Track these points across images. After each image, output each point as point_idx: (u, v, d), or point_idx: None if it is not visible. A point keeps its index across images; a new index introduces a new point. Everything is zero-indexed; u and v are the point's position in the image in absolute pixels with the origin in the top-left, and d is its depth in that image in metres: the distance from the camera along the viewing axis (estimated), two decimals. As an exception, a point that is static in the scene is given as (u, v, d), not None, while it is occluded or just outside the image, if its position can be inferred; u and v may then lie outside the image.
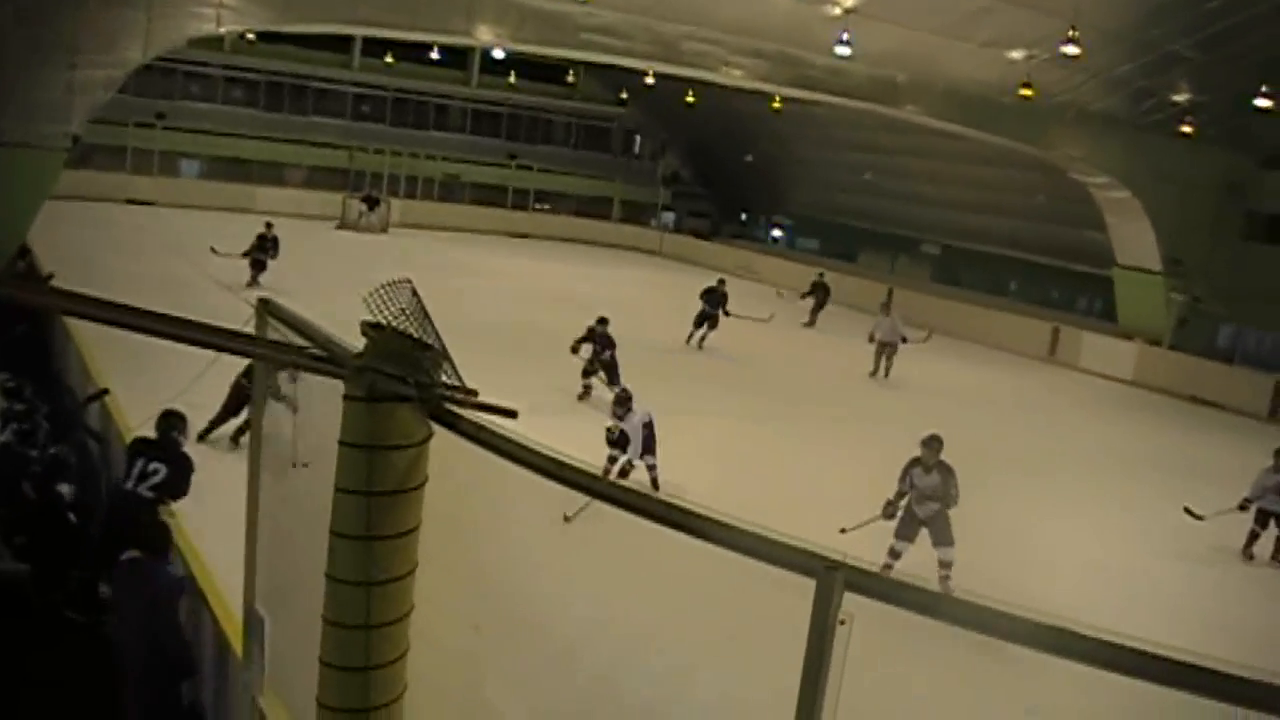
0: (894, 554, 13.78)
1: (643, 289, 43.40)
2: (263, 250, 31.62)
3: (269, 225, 32.13)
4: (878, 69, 34.10)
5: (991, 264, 50.07)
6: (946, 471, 13.87)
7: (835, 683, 2.86)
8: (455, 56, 58.30)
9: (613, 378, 21.02)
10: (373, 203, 50.65)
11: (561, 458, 3.49)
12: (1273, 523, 17.54)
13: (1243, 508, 17.59)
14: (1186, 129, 36.16)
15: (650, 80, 48.76)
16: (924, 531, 13.95)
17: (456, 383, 3.96)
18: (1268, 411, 33.45)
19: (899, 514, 14.06)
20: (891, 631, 3.13)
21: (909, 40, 32.10)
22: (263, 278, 30.76)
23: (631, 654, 9.98)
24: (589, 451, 15.00)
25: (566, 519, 9.37)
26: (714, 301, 32.76)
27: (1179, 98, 36.03)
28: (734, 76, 34.97)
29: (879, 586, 2.74)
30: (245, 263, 31.20)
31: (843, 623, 2.81)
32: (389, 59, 57.73)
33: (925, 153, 47.78)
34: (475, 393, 3.98)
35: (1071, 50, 28.35)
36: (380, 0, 30.35)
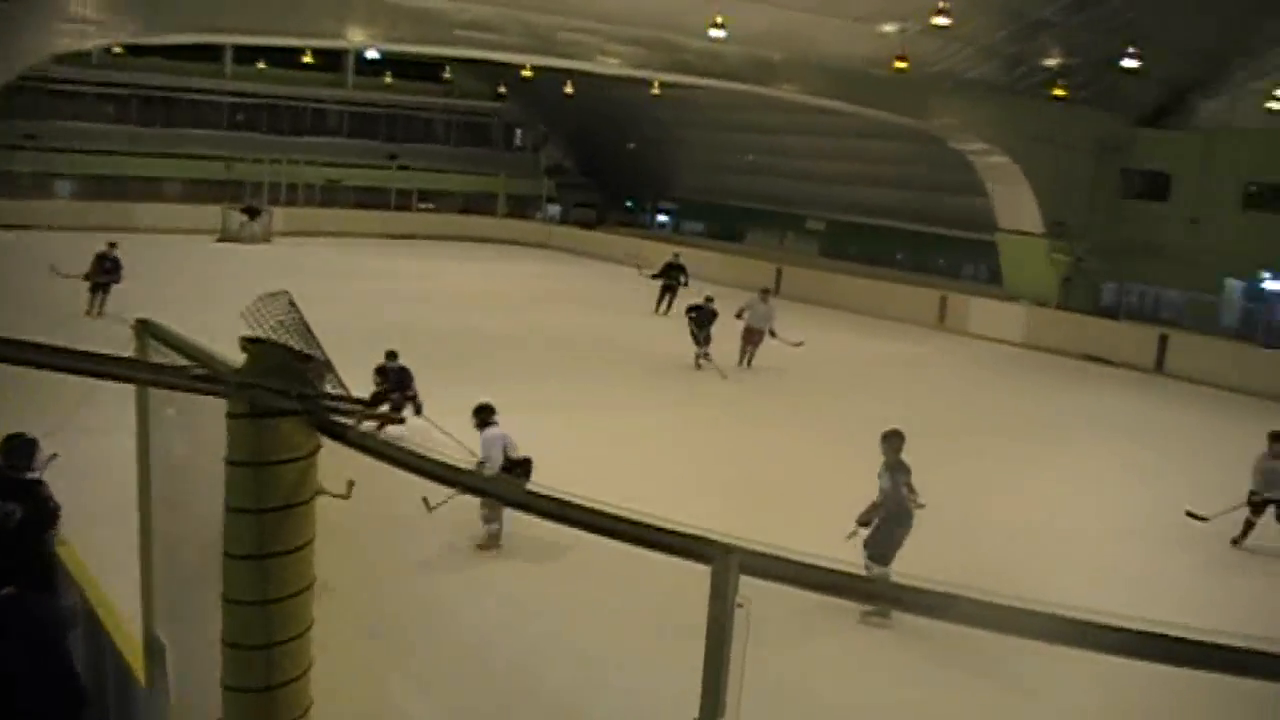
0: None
1: (529, 281, 43.31)
2: (104, 272, 28.60)
3: (111, 245, 29.25)
4: (753, 49, 34.23)
5: (877, 236, 50.59)
6: (893, 471, 13.18)
7: (738, 666, 2.86)
8: (329, 59, 57.68)
9: (417, 409, 18.84)
10: (253, 212, 49.90)
11: (453, 461, 3.45)
12: (1272, 510, 16.84)
13: (1252, 503, 16.85)
14: (1060, 92, 36.72)
15: (527, 73, 48.57)
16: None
17: (341, 392, 3.91)
18: (1155, 364, 34.11)
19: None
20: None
21: (782, 19, 32.26)
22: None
23: (548, 647, 9.98)
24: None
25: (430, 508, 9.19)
26: (675, 273, 34.78)
27: (1050, 62, 36.64)
28: (610, 65, 34.91)
29: (775, 568, 2.73)
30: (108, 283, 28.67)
31: (741, 606, 2.81)
32: (261, 66, 57.05)
33: (805, 130, 48.14)
34: (360, 400, 3.93)
35: (942, 21, 28.66)
36: (248, 7, 29.89)
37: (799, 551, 2.72)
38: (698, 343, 27.64)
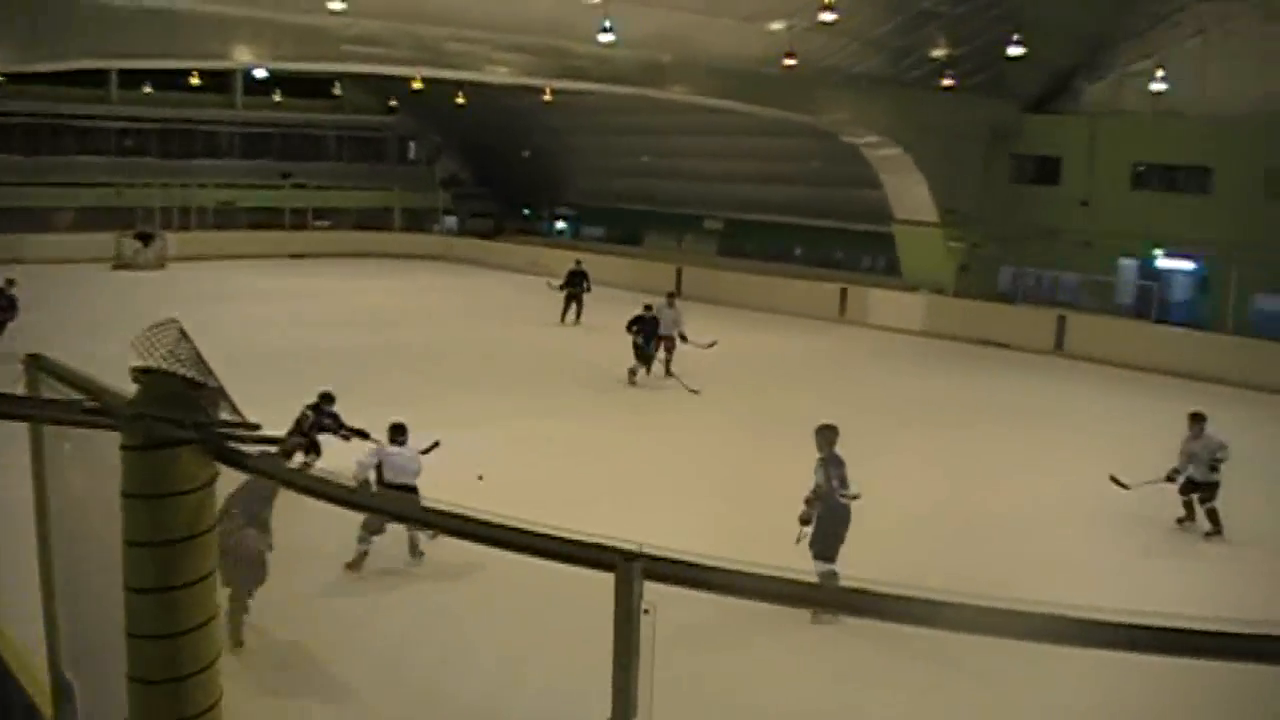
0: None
1: (432, 294, 43.09)
2: None
3: (9, 282, 27.99)
4: (643, 52, 34.24)
5: (775, 232, 50.87)
6: (826, 465, 13.16)
7: (647, 671, 2.86)
8: (217, 80, 56.96)
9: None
10: (147, 238, 49.13)
11: (353, 483, 3.42)
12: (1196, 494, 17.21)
13: (1170, 479, 17.15)
14: (948, 82, 37.17)
15: (418, 85, 48.28)
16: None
17: (237, 418, 3.86)
18: (1054, 345, 34.61)
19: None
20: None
21: (671, 21, 32.31)
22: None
23: (463, 657, 9.93)
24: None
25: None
26: (578, 281, 34.80)
27: (937, 53, 37.01)
28: (500, 74, 34.79)
29: (679, 572, 2.73)
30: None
31: (646, 612, 2.81)
32: (148, 89, 56.27)
33: (699, 130, 48.31)
34: (258, 426, 3.88)
35: (828, 17, 28.83)
36: (130, 30, 29.32)
37: (730, 557, 2.72)
38: (642, 357, 26.74)
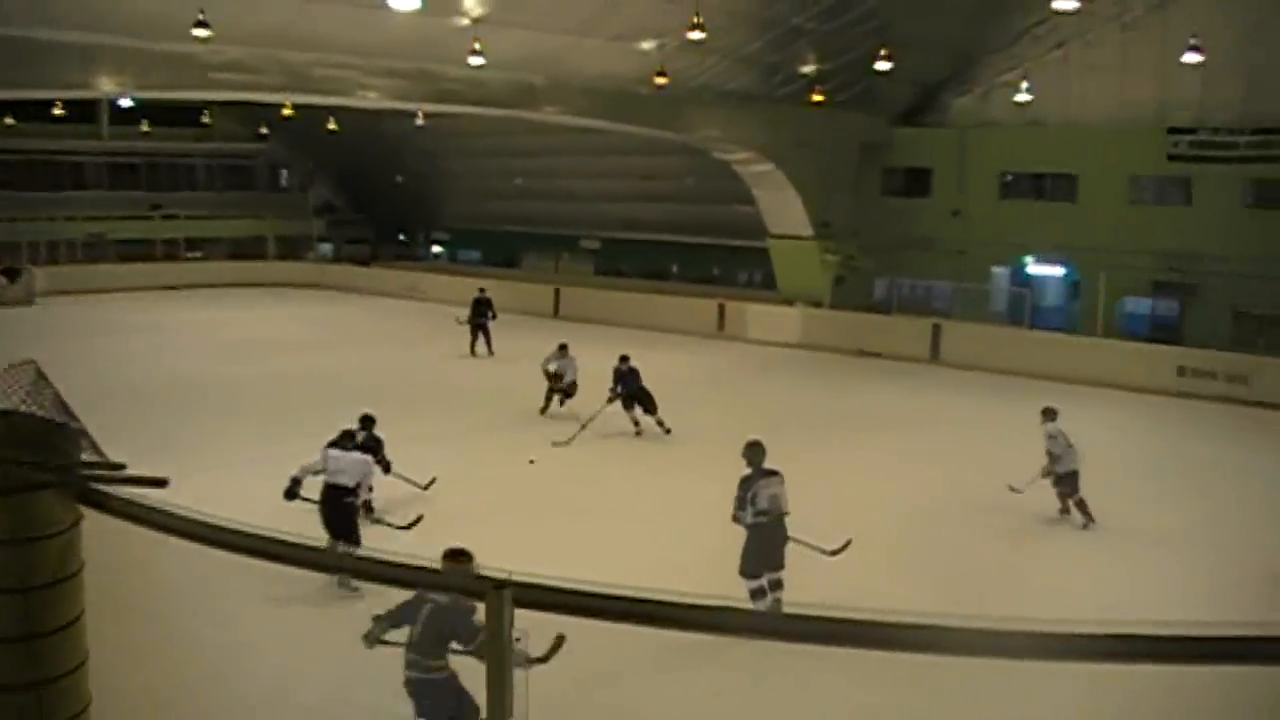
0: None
1: (310, 323, 42.57)
2: None
3: None
4: (514, 74, 34.15)
5: (652, 250, 51.06)
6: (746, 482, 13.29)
7: (522, 698, 2.85)
8: (82, 110, 55.81)
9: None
10: (13, 274, 48.02)
11: (219, 522, 3.36)
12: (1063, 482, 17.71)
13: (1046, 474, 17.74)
14: (818, 98, 37.50)
15: (288, 111, 47.78)
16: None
17: (99, 458, 3.77)
18: (929, 354, 35.04)
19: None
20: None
21: (541, 43, 32.26)
22: None
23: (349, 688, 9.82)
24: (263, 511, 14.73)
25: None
26: (483, 310, 33.88)
27: (807, 69, 37.37)
28: (371, 98, 34.50)
29: (549, 598, 2.73)
30: None
31: (518, 640, 2.81)
32: (10, 120, 55.01)
33: (573, 151, 48.38)
34: (122, 466, 3.80)
35: (697, 36, 28.93)
36: (-14, 61, 28.80)
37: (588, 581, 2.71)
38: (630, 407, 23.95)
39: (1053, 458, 17.66)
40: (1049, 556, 16.01)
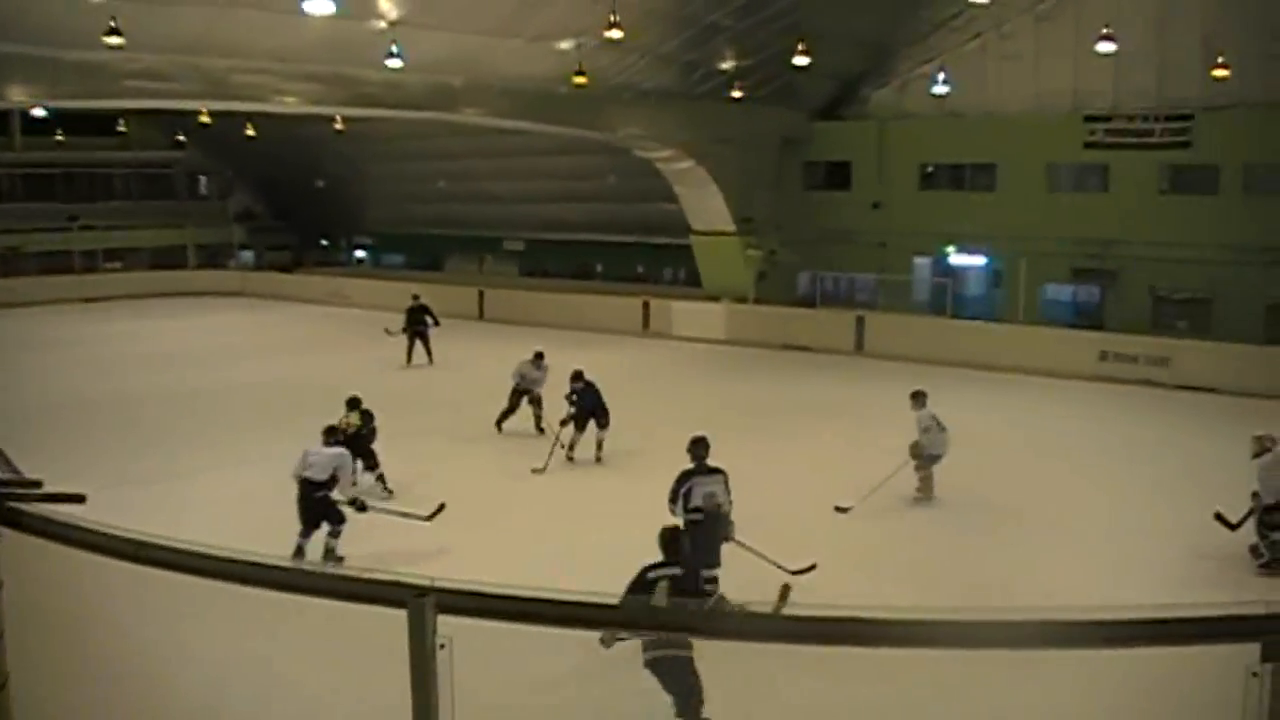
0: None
1: (238, 332, 42.10)
2: None
3: None
4: (433, 77, 33.96)
5: (576, 250, 51.05)
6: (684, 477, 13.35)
7: (447, 705, 2.84)
8: (-8, 120, 55.00)
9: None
10: (-73, 291, 47.29)
11: (141, 537, 3.31)
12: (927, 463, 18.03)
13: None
14: (738, 94, 37.61)
15: (205, 119, 47.26)
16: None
17: (15, 476, 3.72)
18: (854, 346, 35.22)
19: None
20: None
21: (460, 44, 32.11)
22: None
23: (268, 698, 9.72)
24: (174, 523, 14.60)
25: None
26: (419, 318, 32.54)
27: (726, 65, 37.48)
28: (289, 104, 34.16)
29: (473, 604, 2.72)
30: None
31: (442, 646, 2.79)
32: (-82, 133, 54.07)
33: (494, 153, 48.20)
34: (39, 483, 3.74)
35: (615, 35, 28.89)
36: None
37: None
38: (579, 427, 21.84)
39: (920, 445, 17.95)
40: (984, 545, 16.07)
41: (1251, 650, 2.65)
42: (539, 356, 24.10)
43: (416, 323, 32.98)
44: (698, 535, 12.46)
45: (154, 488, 17.76)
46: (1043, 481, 19.49)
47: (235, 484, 18.31)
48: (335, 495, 15.21)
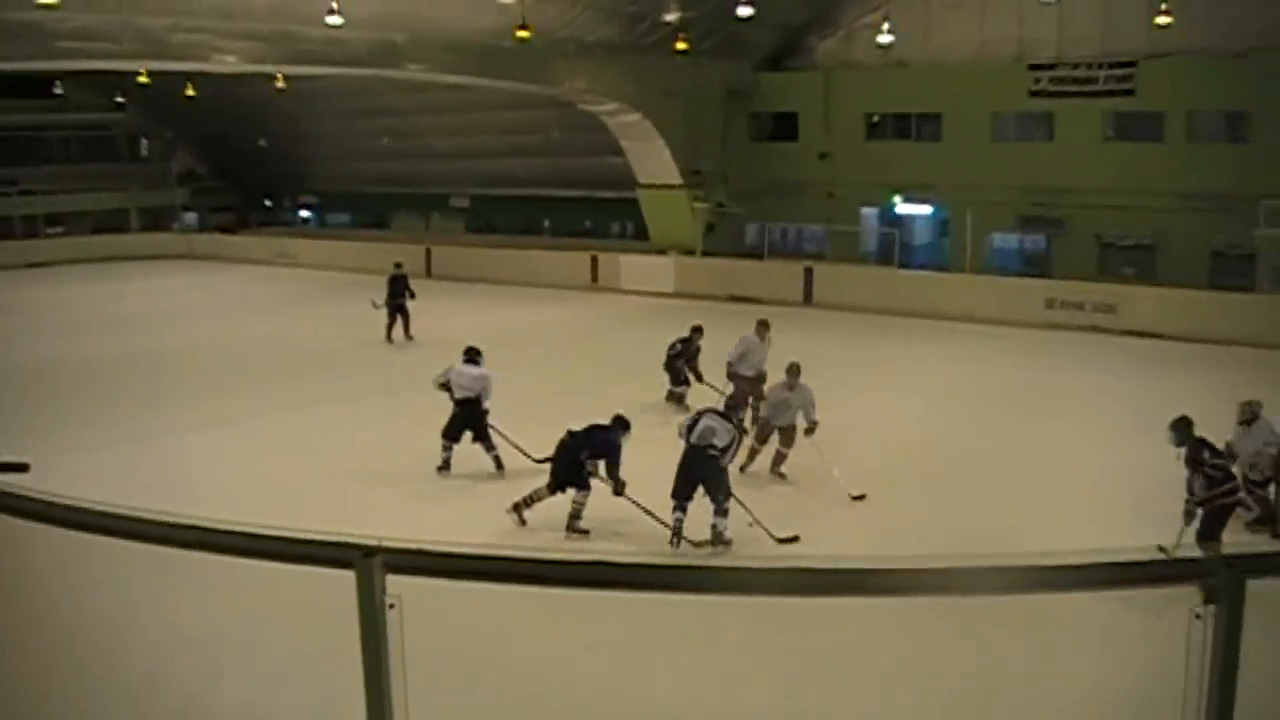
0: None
1: (173, 297, 41.57)
2: None
3: None
4: (375, 33, 33.65)
5: (523, 205, 50.86)
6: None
7: (399, 667, 2.78)
8: (-75, 86, 53.88)
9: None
10: None
11: (77, 503, 3.22)
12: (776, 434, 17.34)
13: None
14: (683, 46, 37.41)
15: (144, 79, 46.68)
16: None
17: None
18: (802, 297, 35.26)
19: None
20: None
21: (401, -1, 31.90)
22: None
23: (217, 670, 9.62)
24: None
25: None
26: (400, 289, 29.84)
27: (670, 17, 37.27)
28: (229, 63, 33.76)
29: (421, 563, 2.66)
30: None
31: (392, 606, 2.73)
32: None
33: (439, 108, 47.91)
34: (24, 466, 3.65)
35: (559, -14, 28.76)
36: None
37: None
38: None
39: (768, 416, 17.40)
40: (935, 495, 16.11)
41: (1194, 593, 2.68)
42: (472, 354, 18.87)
43: (398, 294, 29.90)
44: (683, 463, 13.76)
45: (103, 453, 17.57)
46: (990, 429, 19.60)
47: (189, 448, 18.13)
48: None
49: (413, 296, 29.80)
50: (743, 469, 15.89)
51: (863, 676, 8.63)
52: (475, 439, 16.83)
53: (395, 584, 2.73)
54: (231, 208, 64.01)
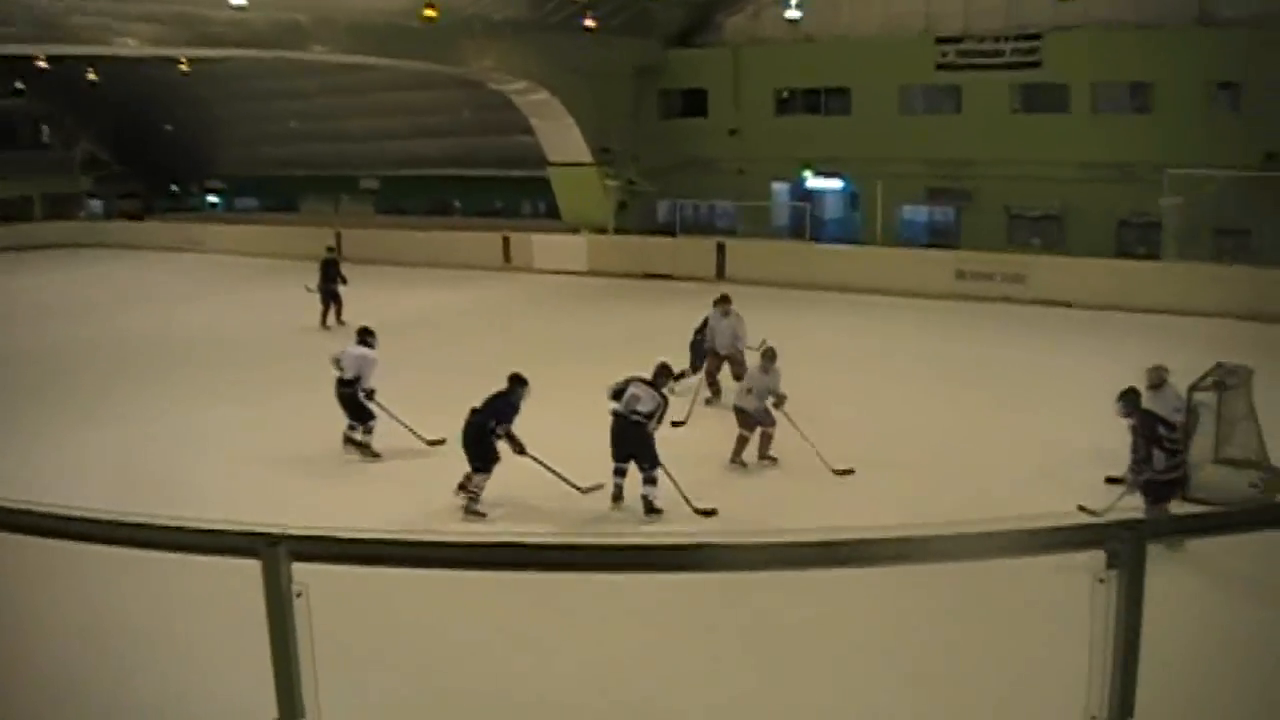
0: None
1: (89, 286, 40.77)
2: None
3: None
4: (278, 14, 33.29)
5: (433, 186, 50.62)
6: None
7: (307, 651, 2.75)
8: None
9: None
10: None
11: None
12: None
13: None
14: (591, 23, 37.35)
15: (43, 64, 45.91)
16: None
17: None
18: (714, 273, 35.33)
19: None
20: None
21: (303, -22, 31.60)
22: None
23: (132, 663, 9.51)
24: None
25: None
26: (333, 273, 28.76)
27: (576, -6, 37.20)
28: (130, 46, 33.27)
29: (327, 550, 2.64)
30: None
31: (299, 594, 2.70)
32: None
33: (345, 90, 47.62)
34: None
35: (464, -35, 28.58)
36: None
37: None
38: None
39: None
40: (837, 458, 16.15)
41: (1099, 558, 2.74)
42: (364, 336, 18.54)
43: (330, 279, 28.95)
44: (613, 430, 14.02)
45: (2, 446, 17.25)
46: (902, 400, 19.68)
47: (88, 443, 17.81)
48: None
49: (344, 281, 28.95)
50: (733, 460, 15.90)
51: (781, 646, 8.62)
52: (351, 418, 16.68)
53: (301, 572, 2.70)
54: (137, 194, 63.04)
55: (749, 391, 16.36)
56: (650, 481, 13.53)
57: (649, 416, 13.69)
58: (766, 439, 16.18)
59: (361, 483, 15.60)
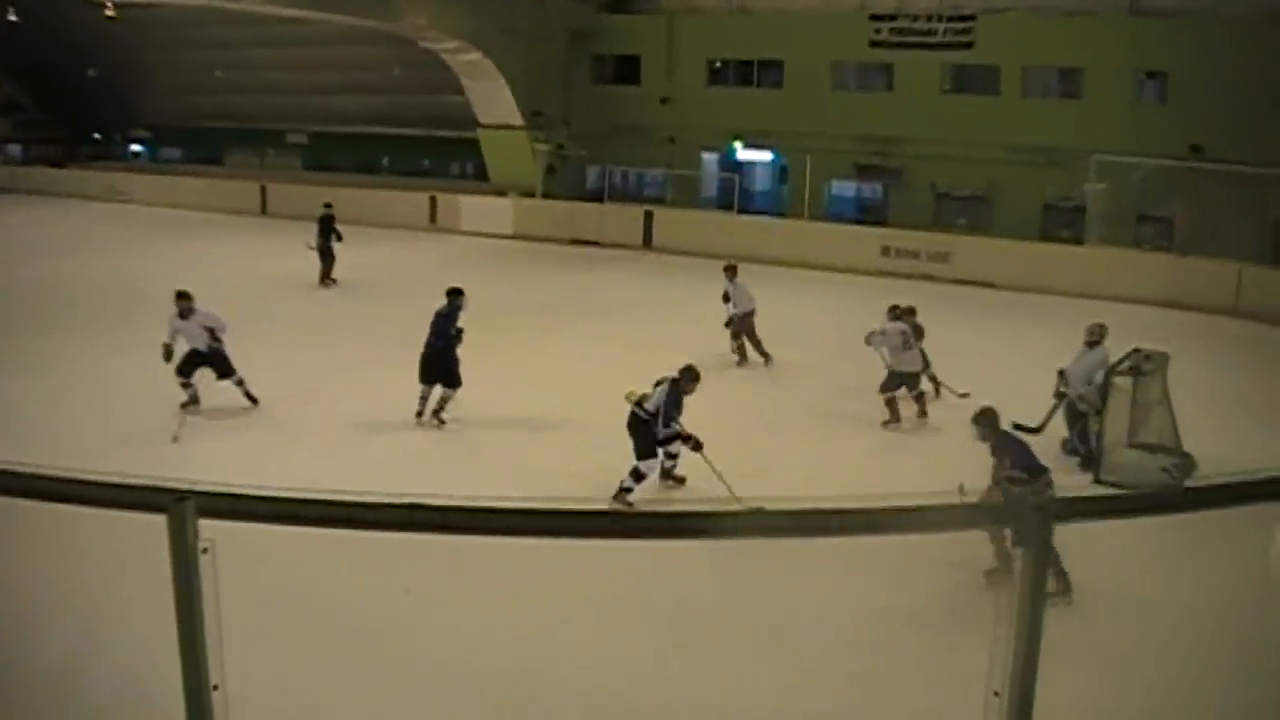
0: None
1: (12, 233, 40.04)
2: None
3: None
4: (210, -39, 32.93)
5: (361, 143, 50.20)
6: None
7: (213, 608, 2.71)
8: None
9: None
10: None
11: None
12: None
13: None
14: (526, -15, 37.20)
15: (-41, 5, 45.00)
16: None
17: None
18: (643, 241, 35.36)
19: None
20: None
21: (235, -74, 31.17)
22: None
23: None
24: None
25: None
26: (329, 230, 28.44)
27: (512, -46, 36.96)
28: (56, -15, 32.79)
29: (233, 507, 2.59)
30: None
31: (205, 551, 2.65)
32: None
33: (276, 42, 47.04)
34: None
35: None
36: None
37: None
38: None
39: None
40: (767, 445, 16.20)
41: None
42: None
43: (325, 235, 28.68)
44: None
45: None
46: (821, 376, 19.77)
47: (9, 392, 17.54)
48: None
49: (339, 239, 28.77)
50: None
51: (659, 617, 8.60)
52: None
53: (209, 528, 2.65)
54: (59, 140, 62.09)
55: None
56: (634, 473, 13.40)
57: (652, 416, 13.56)
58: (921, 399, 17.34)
59: (282, 441, 15.46)
